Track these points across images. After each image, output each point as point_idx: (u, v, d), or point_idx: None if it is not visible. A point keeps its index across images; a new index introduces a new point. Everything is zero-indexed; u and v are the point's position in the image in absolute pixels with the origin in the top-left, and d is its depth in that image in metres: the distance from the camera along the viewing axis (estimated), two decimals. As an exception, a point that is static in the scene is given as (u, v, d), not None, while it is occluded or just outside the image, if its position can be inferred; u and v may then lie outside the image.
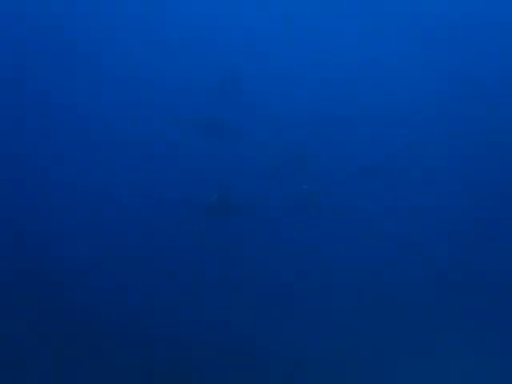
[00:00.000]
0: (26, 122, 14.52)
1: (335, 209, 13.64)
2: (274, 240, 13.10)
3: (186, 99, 15.36)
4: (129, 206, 13.42)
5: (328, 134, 15.04)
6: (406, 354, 10.85)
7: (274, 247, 12.93)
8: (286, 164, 14.34)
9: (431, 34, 16.96)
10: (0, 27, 16.05)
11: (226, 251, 12.74)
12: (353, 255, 12.83)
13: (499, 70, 16.29)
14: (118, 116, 15.04)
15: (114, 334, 10.81)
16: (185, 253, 12.62)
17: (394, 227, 13.52)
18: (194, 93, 15.42)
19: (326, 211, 13.55)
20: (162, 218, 13.16)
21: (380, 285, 12.35)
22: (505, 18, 17.00)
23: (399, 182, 14.40)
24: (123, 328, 10.95)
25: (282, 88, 16.10)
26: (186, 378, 10.23)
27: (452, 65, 16.48)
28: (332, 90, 15.95)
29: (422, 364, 10.75)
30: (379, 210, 13.84)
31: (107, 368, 10.17)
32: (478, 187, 14.22)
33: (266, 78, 16.10)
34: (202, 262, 12.50)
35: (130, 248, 12.55)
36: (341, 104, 15.73)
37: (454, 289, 12.31)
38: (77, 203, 13.34)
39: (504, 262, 12.69)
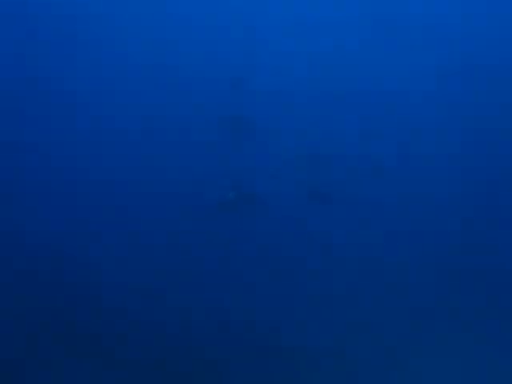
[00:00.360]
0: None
1: (350, 206, 13.64)
2: (289, 236, 13.10)
3: (199, 97, 15.41)
4: (143, 203, 13.47)
5: (342, 131, 15.01)
6: (415, 345, 10.90)
7: (289, 243, 12.96)
8: (301, 160, 14.39)
9: (436, 34, 16.94)
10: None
11: (241, 247, 12.76)
12: (366, 249, 12.87)
13: (502, 69, 16.28)
14: (132, 114, 15.07)
15: (125, 332, 10.83)
16: (199, 249, 12.64)
17: (404, 221, 13.58)
18: (206, 90, 15.46)
19: (341, 207, 13.58)
20: (177, 215, 13.17)
21: (390, 275, 12.40)
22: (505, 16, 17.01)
23: (407, 178, 14.47)
24: (136, 325, 10.97)
25: (297, 85, 16.05)
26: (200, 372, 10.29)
27: (455, 65, 16.46)
28: (347, 87, 15.90)
29: (432, 356, 10.77)
30: (392, 206, 13.85)
31: (116, 364, 10.20)
32: (495, 181, 14.27)
33: (279, 74, 16.11)
34: (215, 258, 12.52)
35: (145, 245, 12.60)
36: (354, 100, 15.70)
37: (462, 277, 12.36)
38: (92, 202, 13.40)
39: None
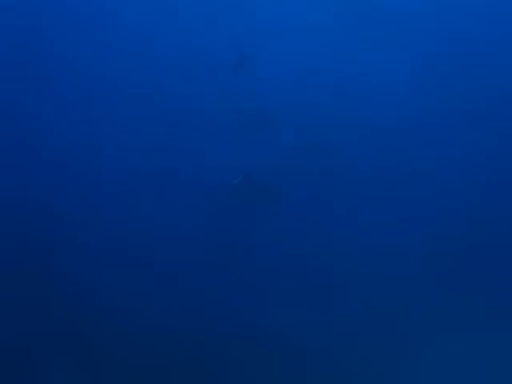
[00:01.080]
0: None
1: (359, 194, 13.72)
2: (299, 223, 13.23)
3: (201, 85, 15.43)
4: (153, 187, 13.68)
5: (349, 116, 15.01)
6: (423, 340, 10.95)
7: (299, 231, 13.10)
8: (310, 147, 14.42)
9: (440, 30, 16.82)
10: None
11: (251, 235, 12.93)
12: (378, 241, 12.95)
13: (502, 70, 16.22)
14: (143, 104, 15.07)
15: (133, 319, 11.05)
16: (209, 236, 12.81)
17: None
18: (209, 77, 15.45)
19: (350, 195, 13.66)
20: (187, 201, 13.34)
21: (403, 271, 12.43)
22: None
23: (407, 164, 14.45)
24: (145, 314, 11.16)
25: (304, 72, 16.00)
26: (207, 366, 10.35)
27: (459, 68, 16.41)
28: (352, 73, 15.86)
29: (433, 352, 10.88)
30: (401, 196, 13.85)
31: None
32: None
33: (286, 61, 16.07)
34: (224, 245, 12.67)
35: (155, 230, 12.81)
36: (361, 86, 15.68)
37: (471, 265, 12.38)
38: (100, 189, 13.58)
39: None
